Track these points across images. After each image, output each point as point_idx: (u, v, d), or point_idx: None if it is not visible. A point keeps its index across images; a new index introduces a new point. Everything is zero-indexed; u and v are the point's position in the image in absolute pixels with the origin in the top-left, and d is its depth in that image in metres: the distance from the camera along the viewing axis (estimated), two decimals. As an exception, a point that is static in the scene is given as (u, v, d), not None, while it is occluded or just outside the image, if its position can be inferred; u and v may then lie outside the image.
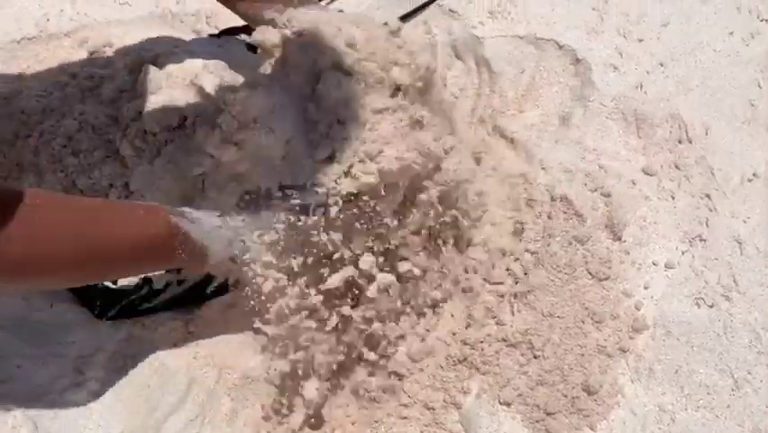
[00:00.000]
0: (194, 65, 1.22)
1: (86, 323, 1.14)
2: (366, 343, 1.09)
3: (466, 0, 1.48)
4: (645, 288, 1.13)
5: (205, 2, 1.51)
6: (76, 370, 1.11)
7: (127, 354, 1.12)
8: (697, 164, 1.23)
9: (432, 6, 1.49)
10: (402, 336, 1.10)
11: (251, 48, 1.25)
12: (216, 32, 1.43)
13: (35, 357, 1.11)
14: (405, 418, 1.08)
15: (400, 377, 1.09)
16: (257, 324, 1.02)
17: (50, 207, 0.83)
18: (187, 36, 1.39)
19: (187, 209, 0.96)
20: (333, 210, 0.98)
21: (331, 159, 1.00)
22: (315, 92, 1.04)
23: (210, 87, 1.17)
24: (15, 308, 1.14)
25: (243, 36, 1.33)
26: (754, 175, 1.20)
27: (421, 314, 1.12)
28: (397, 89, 1.05)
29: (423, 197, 1.06)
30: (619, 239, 1.15)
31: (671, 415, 1.03)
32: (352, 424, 1.10)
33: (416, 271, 1.08)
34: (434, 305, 1.13)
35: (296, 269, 1.01)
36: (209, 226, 0.95)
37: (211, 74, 1.19)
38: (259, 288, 1.00)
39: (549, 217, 1.15)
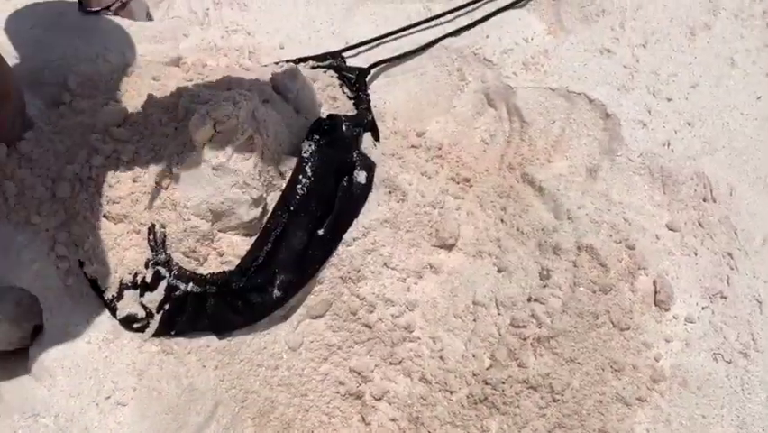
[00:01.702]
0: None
1: (119, 339, 1.20)
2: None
3: (501, 50, 1.55)
4: (666, 340, 1.18)
5: (249, 39, 1.60)
6: (107, 384, 1.16)
7: (157, 372, 1.17)
8: (720, 223, 1.28)
9: (467, 54, 1.56)
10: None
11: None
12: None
13: (69, 369, 1.17)
14: (423, 453, 1.13)
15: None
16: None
17: None
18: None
19: None
20: None
21: None
22: None
23: None
24: (53, 321, 1.20)
25: None
26: (776, 237, 1.25)
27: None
28: None
29: None
30: (641, 291, 1.21)
31: (685, 467, 1.08)
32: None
33: None
34: None
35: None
36: None
37: None
38: None
39: (575, 266, 1.20)
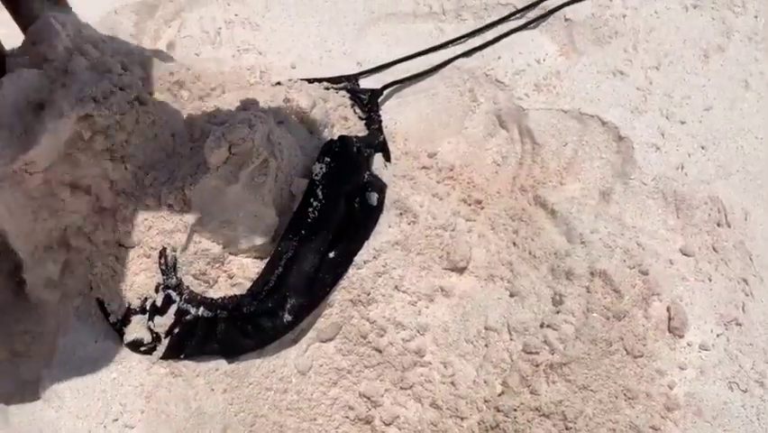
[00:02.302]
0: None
1: (128, 361, 1.20)
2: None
3: (513, 72, 1.55)
4: (680, 368, 1.17)
5: (260, 59, 1.61)
6: (115, 406, 1.16)
7: (166, 395, 1.17)
8: (735, 249, 1.28)
9: (479, 75, 1.57)
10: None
11: None
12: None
13: (77, 391, 1.17)
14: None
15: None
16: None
17: None
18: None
19: None
20: None
21: None
22: None
23: None
24: (63, 342, 1.20)
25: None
26: (791, 263, 1.25)
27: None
28: None
29: None
30: (655, 318, 1.20)
31: (700, 498, 1.06)
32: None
33: None
34: None
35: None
36: None
37: None
38: None
39: (588, 291, 1.19)
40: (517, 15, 1.65)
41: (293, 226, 1.20)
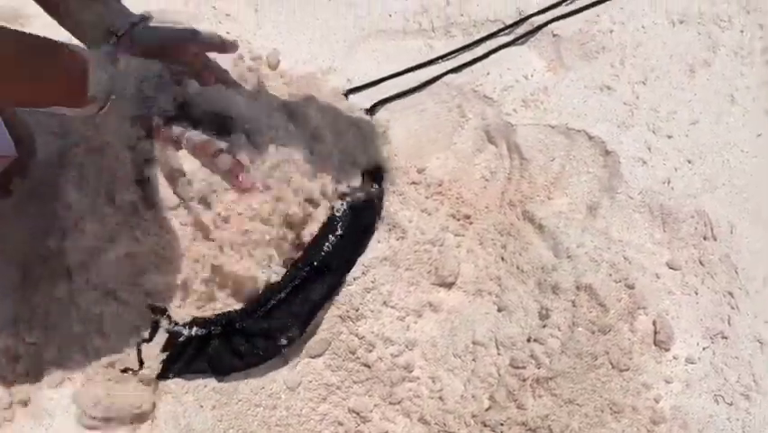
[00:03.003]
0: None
1: (117, 379, 1.22)
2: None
3: (501, 87, 1.58)
4: (666, 381, 1.18)
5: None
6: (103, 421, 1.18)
7: (154, 412, 1.19)
8: (721, 262, 1.30)
9: (467, 91, 1.59)
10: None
11: None
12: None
13: (64, 408, 1.18)
14: (422, 495, 1.13)
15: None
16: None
17: None
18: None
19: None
20: None
21: None
22: None
23: None
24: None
25: None
26: (776, 276, 1.27)
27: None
28: None
29: None
30: (641, 331, 1.22)
31: None
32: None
33: None
34: None
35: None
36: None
37: None
38: None
39: (574, 305, 1.21)
40: (506, 31, 1.67)
41: (305, 258, 1.23)
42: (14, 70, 0.94)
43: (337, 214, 1.26)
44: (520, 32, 1.67)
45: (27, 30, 1.65)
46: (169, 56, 1.26)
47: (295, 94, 1.43)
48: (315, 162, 1.27)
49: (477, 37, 1.68)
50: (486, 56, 1.64)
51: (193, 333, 1.20)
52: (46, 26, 1.61)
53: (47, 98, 1.01)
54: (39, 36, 1.00)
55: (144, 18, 1.23)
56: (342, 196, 1.31)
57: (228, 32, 1.72)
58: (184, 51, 1.26)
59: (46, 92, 1.00)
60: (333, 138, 1.35)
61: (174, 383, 1.20)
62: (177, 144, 1.16)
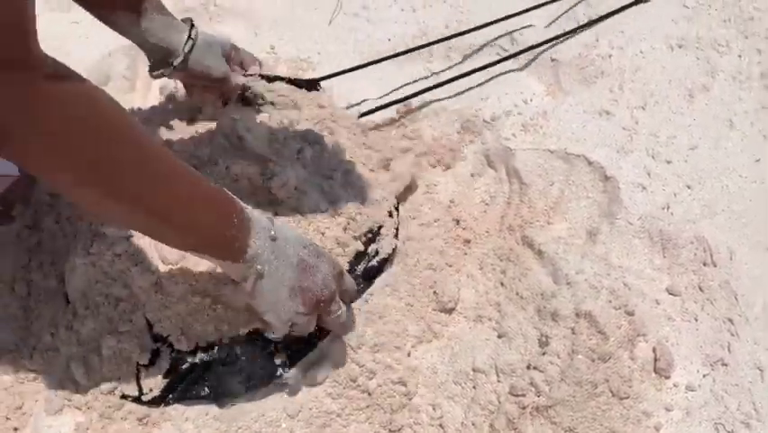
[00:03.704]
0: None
1: (117, 407, 1.22)
2: None
3: (500, 112, 1.60)
4: (666, 409, 1.19)
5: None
6: (103, 453, 1.19)
7: (154, 440, 1.20)
8: (721, 288, 1.31)
9: (468, 115, 1.61)
10: None
11: None
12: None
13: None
14: None
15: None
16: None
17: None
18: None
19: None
20: None
21: None
22: None
23: None
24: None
25: None
26: (776, 303, 1.28)
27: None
28: None
29: None
30: (641, 359, 1.23)
31: None
32: None
33: None
34: None
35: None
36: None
37: None
38: None
39: (573, 333, 1.22)
40: (504, 56, 1.69)
41: None
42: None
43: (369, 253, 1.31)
44: (519, 56, 1.69)
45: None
46: (216, 88, 1.43)
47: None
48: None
49: (477, 61, 1.71)
50: (485, 81, 1.66)
51: (197, 360, 1.21)
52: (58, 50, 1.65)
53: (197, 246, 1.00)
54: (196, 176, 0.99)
55: (192, 35, 1.33)
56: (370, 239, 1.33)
57: (229, 57, 1.74)
58: (228, 87, 1.44)
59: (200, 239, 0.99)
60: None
61: (174, 409, 1.21)
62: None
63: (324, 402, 1.25)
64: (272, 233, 1.02)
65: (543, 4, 1.75)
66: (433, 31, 1.77)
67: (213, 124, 1.41)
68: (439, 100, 1.64)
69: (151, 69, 1.35)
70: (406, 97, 1.62)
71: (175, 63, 1.32)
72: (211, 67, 1.38)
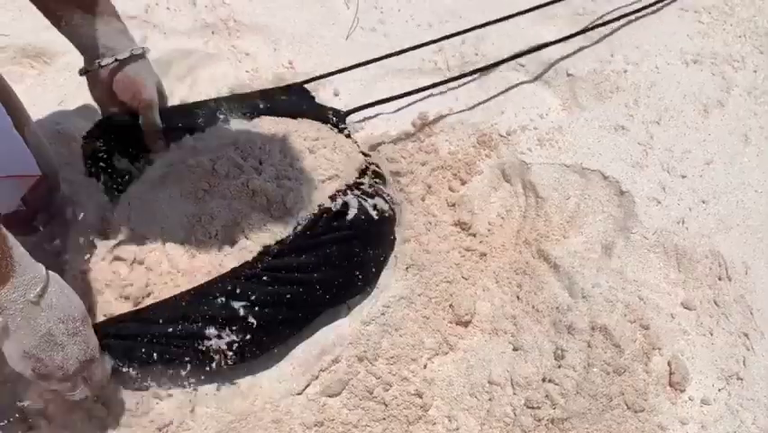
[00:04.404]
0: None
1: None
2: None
3: (516, 126, 1.63)
4: (681, 423, 1.21)
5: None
6: None
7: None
8: (736, 303, 1.32)
9: (484, 129, 1.64)
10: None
11: None
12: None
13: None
14: None
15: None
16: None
17: None
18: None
19: None
20: None
21: None
22: None
23: None
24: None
25: None
26: (791, 318, 1.29)
27: None
28: None
29: None
30: (656, 372, 1.24)
31: None
32: None
33: None
34: None
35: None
36: None
37: None
38: None
39: (589, 346, 1.24)
40: (520, 70, 1.72)
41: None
42: None
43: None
44: (534, 71, 1.73)
45: (52, 67, 1.74)
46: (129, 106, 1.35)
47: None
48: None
49: (492, 76, 1.74)
50: (501, 94, 1.69)
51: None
52: (69, 64, 1.69)
53: None
54: None
55: (141, 53, 1.31)
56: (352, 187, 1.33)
57: (247, 71, 1.79)
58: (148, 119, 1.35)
59: None
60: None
61: (192, 421, 1.24)
62: None
63: (341, 413, 1.27)
64: (33, 295, 0.97)
65: (546, 4, 1.78)
66: (449, 46, 1.80)
67: (230, 137, 1.44)
68: (455, 114, 1.67)
69: (85, 69, 1.32)
70: (393, 97, 1.64)
71: (119, 57, 1.28)
72: (146, 79, 1.33)
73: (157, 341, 1.17)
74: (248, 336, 1.21)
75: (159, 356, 1.18)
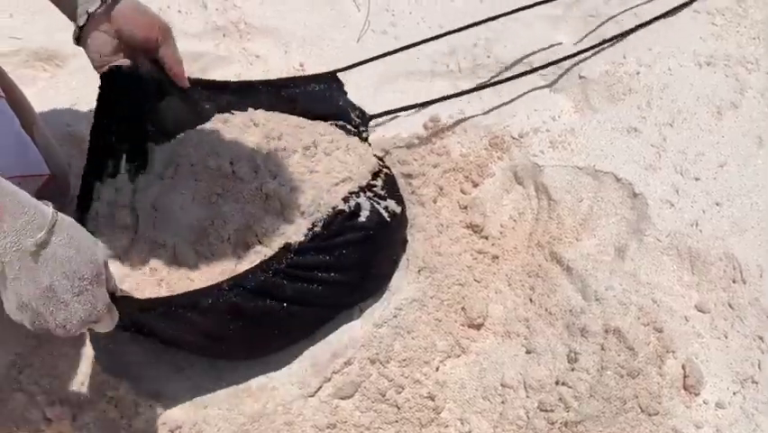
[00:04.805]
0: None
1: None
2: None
3: (529, 129, 1.63)
4: (696, 426, 1.21)
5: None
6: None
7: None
8: (750, 306, 1.32)
9: (497, 132, 1.64)
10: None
11: None
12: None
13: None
14: None
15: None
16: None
17: None
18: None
19: None
20: None
21: None
22: None
23: None
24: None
25: None
26: (807, 321, 1.29)
27: None
28: None
29: None
30: (670, 375, 1.24)
31: None
32: None
33: None
34: None
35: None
36: None
37: None
38: None
39: (602, 349, 1.24)
40: (533, 73, 1.72)
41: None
42: None
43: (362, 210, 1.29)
44: (547, 73, 1.73)
45: (64, 70, 1.75)
46: (143, 45, 1.26)
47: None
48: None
49: (504, 78, 1.74)
50: (513, 97, 1.69)
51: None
52: (82, 67, 1.70)
53: None
54: None
55: None
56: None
57: (258, 73, 1.79)
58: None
59: None
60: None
61: (205, 422, 1.25)
62: None
63: (353, 415, 1.28)
64: (30, 243, 0.87)
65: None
66: (461, 48, 1.81)
67: (243, 139, 1.45)
68: (468, 117, 1.67)
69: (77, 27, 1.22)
70: (417, 105, 1.65)
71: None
72: (138, 20, 1.22)
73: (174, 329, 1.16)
74: (260, 331, 1.22)
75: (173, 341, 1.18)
